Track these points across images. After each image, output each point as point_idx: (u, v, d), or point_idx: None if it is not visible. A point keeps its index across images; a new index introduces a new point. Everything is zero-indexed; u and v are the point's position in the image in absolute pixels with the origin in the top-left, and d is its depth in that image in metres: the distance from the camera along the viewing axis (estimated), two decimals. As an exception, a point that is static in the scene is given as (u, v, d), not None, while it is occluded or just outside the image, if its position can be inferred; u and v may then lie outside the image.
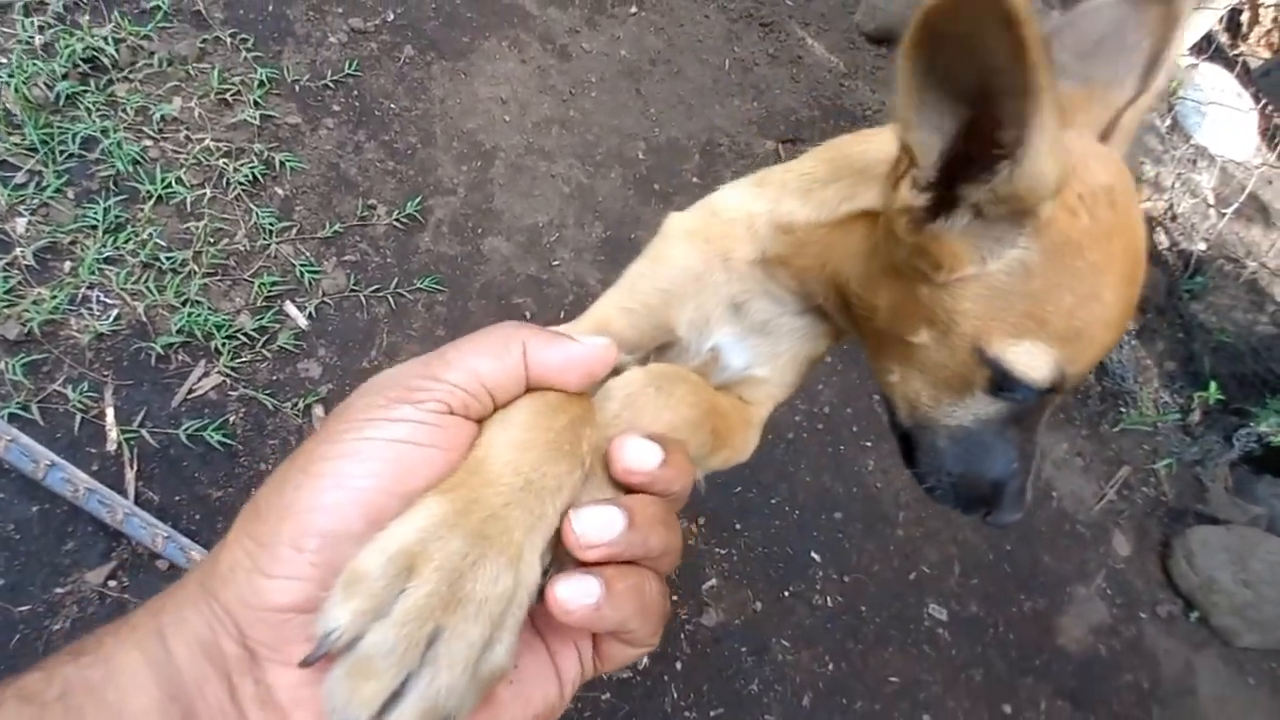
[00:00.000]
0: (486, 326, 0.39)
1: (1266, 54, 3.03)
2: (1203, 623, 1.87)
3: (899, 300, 0.53)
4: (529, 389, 0.37)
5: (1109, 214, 0.46)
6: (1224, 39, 2.94)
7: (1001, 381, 0.50)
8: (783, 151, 2.22)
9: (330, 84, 1.96)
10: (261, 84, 1.89)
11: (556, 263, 1.93)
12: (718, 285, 0.65)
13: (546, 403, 0.37)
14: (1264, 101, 1.82)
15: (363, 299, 1.76)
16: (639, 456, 0.37)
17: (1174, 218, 2.25)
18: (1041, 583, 1.85)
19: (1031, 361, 0.48)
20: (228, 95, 1.87)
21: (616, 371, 0.69)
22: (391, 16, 2.09)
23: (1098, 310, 0.47)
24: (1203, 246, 2.31)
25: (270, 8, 2.01)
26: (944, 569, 1.83)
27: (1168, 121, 2.52)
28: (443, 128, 2.00)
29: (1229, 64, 2.82)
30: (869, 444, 1.90)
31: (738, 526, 1.77)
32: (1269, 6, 2.87)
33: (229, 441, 1.55)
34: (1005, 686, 1.75)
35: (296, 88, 1.94)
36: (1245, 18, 2.97)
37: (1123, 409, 2.01)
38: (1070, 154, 0.43)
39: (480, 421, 0.36)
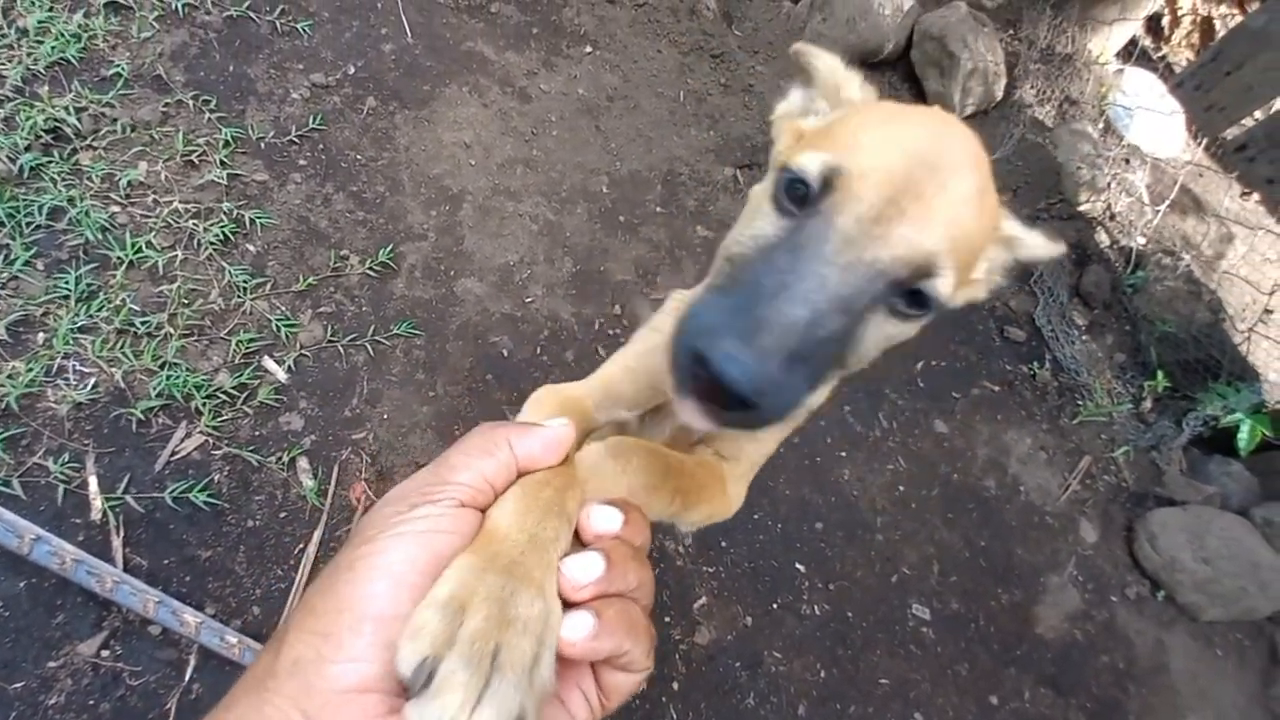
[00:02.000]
0: (471, 431, 0.46)
1: (1189, 54, 3.22)
2: (1169, 601, 1.96)
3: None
4: (519, 474, 0.44)
5: (925, 110, 0.57)
6: (1148, 42, 3.12)
7: (782, 181, 0.53)
8: (740, 177, 2.31)
9: (295, 139, 1.99)
10: (226, 144, 1.92)
11: (530, 299, 1.98)
12: None
13: (535, 479, 0.44)
14: (1185, 106, 1.95)
15: (341, 349, 1.79)
16: (603, 521, 0.44)
17: (1112, 217, 2.38)
18: (1016, 575, 1.93)
19: (808, 157, 0.51)
20: (193, 157, 1.90)
21: (623, 428, 0.77)
22: (352, 70, 2.13)
23: (879, 129, 0.53)
24: (1141, 241, 2.44)
25: (231, 68, 2.04)
26: (923, 569, 1.89)
27: (1101, 124, 2.66)
28: (409, 175, 2.05)
29: (1154, 66, 2.99)
30: (843, 454, 1.97)
31: (723, 544, 1.82)
32: (1185, 13, 3.06)
33: (215, 501, 1.56)
34: (990, 679, 1.82)
35: (262, 145, 1.97)
36: (1166, 21, 3.16)
37: (1080, 401, 2.11)
38: None
39: (484, 510, 0.42)
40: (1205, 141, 2.85)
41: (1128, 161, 2.68)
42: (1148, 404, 2.13)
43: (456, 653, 0.33)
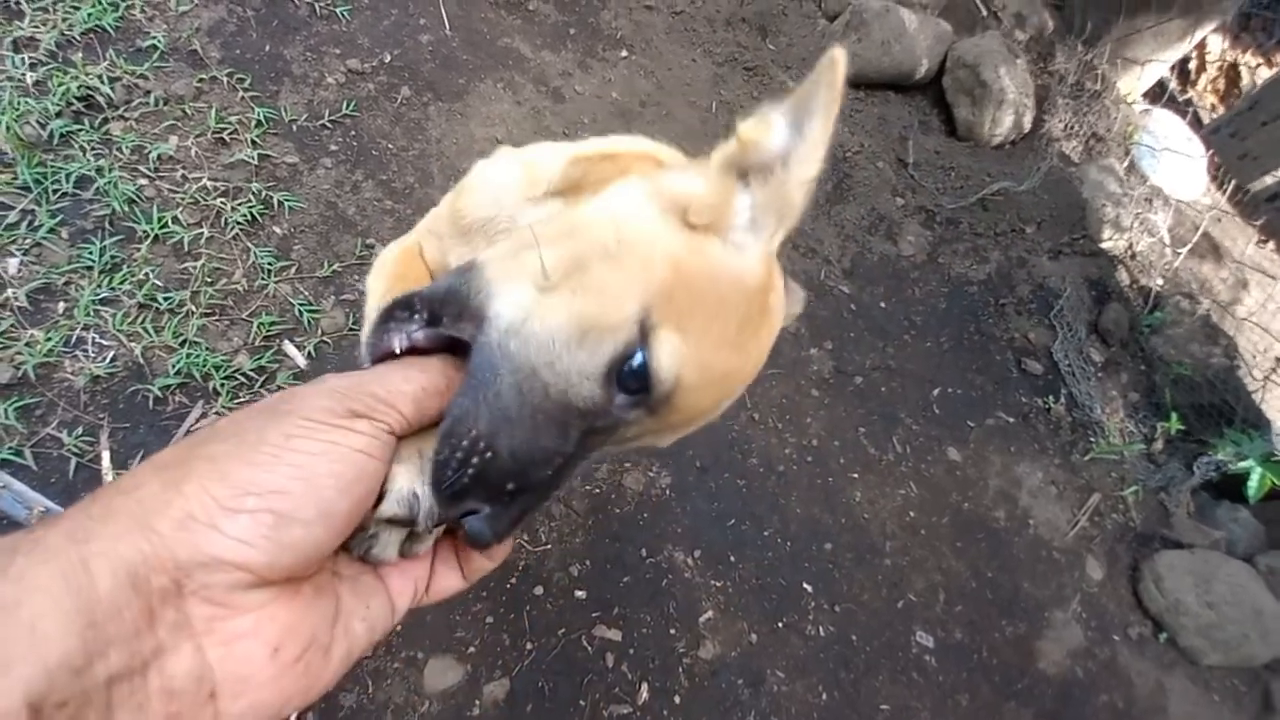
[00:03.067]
0: (431, 360, 0.48)
1: (1213, 98, 3.24)
2: (1171, 644, 1.96)
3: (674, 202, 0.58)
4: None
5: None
6: (1175, 84, 3.15)
7: (640, 366, 0.50)
8: (769, 191, 2.30)
9: (328, 124, 1.98)
10: (259, 124, 1.91)
11: (552, 300, 1.97)
12: None
13: None
14: (1212, 152, 1.96)
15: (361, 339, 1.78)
16: None
17: (1134, 256, 2.39)
18: (1021, 608, 1.93)
19: (667, 347, 0.50)
20: (225, 135, 1.89)
21: None
22: (388, 58, 2.13)
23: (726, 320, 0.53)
24: (1160, 282, 2.46)
25: (267, 48, 2.03)
26: (930, 596, 1.89)
27: (1126, 163, 2.68)
28: (439, 167, 2.04)
29: (1180, 109, 3.01)
30: (855, 475, 1.97)
31: (732, 559, 1.81)
32: (1214, 59, 3.08)
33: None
34: (990, 711, 1.81)
35: (294, 127, 1.96)
36: (1193, 65, 3.18)
37: (1092, 439, 2.12)
38: None
39: (400, 437, 0.45)
40: (1228, 188, 2.87)
41: (1149, 201, 2.69)
42: (1159, 445, 2.13)
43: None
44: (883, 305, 2.18)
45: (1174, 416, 2.09)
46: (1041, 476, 2.07)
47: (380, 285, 0.71)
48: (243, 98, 1.94)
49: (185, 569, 0.34)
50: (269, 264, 1.77)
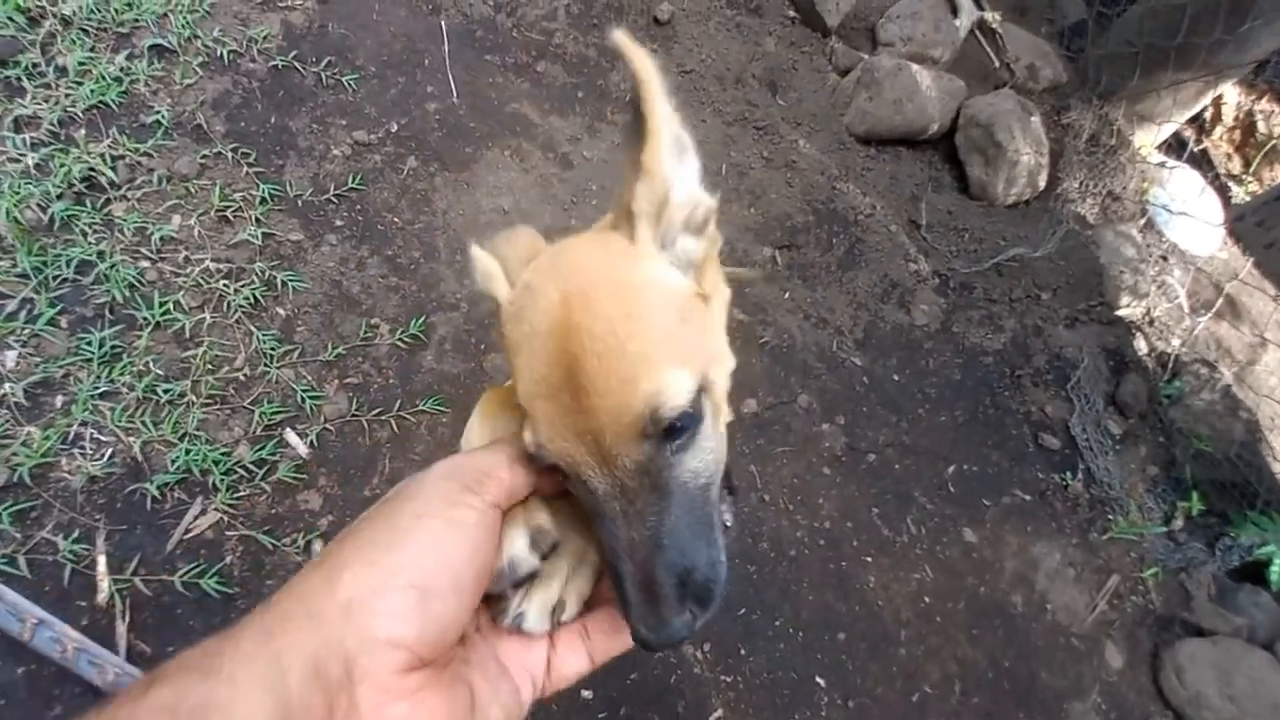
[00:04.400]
0: (511, 438, 0.54)
1: (1228, 148, 3.20)
2: (1193, 733, 1.91)
3: None
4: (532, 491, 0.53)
5: (524, 298, 0.53)
6: (1189, 134, 3.10)
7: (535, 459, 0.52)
8: (779, 258, 2.27)
9: (333, 198, 1.95)
10: (263, 200, 1.88)
11: (559, 379, 1.94)
12: None
13: None
14: (1239, 242, 1.92)
15: (364, 423, 1.74)
16: None
17: (1151, 322, 2.34)
18: (1039, 700, 1.87)
19: (526, 434, 0.51)
20: (229, 212, 1.86)
21: None
22: (395, 127, 2.10)
23: (524, 381, 0.51)
24: (1177, 344, 2.41)
25: (273, 120, 2.01)
26: (946, 688, 1.84)
27: (1143, 222, 2.63)
28: (445, 240, 2.01)
29: (1194, 159, 2.96)
30: (869, 559, 1.93)
31: (742, 652, 1.76)
32: (1229, 108, 3.04)
33: (225, 588, 1.50)
34: (1008, 810, 1.76)
35: (299, 202, 1.93)
36: (1209, 115, 3.14)
37: (1110, 516, 2.07)
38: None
39: (505, 511, 0.50)
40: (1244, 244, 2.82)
41: (1166, 259, 2.65)
42: (1179, 523, 2.08)
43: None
44: (896, 378, 2.14)
45: (1195, 495, 2.04)
46: (1059, 557, 2.02)
47: (485, 401, 0.71)
48: (247, 173, 1.91)
49: (353, 656, 0.38)
50: (271, 348, 1.74)
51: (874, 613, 1.88)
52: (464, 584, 0.44)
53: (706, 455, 0.52)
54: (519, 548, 0.50)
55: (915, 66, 2.56)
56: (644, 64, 0.51)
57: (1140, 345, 2.30)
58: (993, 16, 2.90)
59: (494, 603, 0.52)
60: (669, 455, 0.49)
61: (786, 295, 2.20)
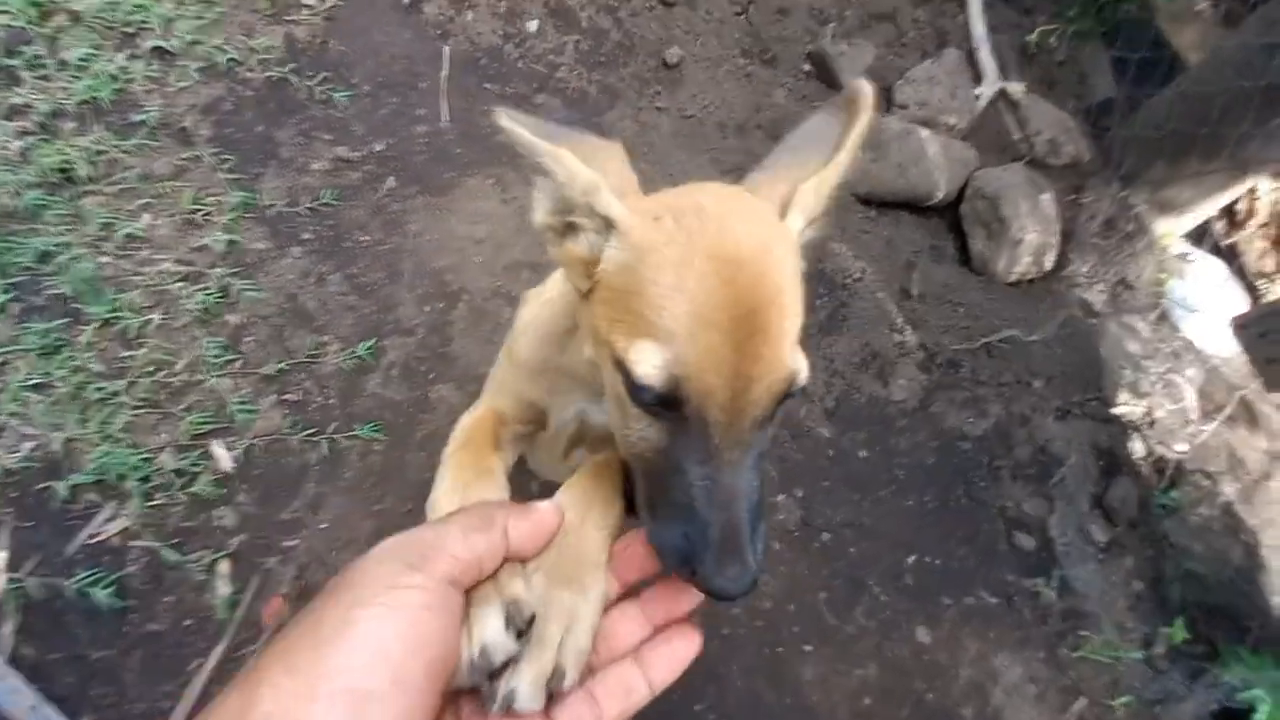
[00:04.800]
0: (470, 506, 0.53)
1: (1263, 243, 3.02)
2: None
3: (585, 324, 0.61)
4: (505, 559, 0.49)
5: (694, 222, 0.51)
6: (1219, 227, 2.94)
7: (631, 388, 0.51)
8: (756, 315, 2.18)
9: (305, 211, 1.95)
10: (235, 207, 1.89)
11: (506, 417, 1.87)
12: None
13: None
14: (1246, 352, 1.78)
15: (295, 442, 1.70)
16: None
17: (1152, 424, 2.18)
18: (981, 829, 1.70)
19: (643, 358, 0.49)
20: (198, 215, 1.86)
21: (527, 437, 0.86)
22: (380, 147, 2.10)
23: (684, 303, 0.48)
24: (1182, 448, 2.23)
25: (260, 129, 2.02)
26: (876, 802, 1.69)
27: (1155, 314, 2.48)
28: (412, 264, 1.98)
29: (1221, 253, 2.80)
30: (810, 647, 1.79)
31: (657, 733, 1.64)
32: (1263, 201, 2.87)
33: (119, 601, 1.46)
34: None
35: (270, 212, 1.93)
36: (1242, 207, 2.97)
37: (1084, 633, 1.90)
38: (626, 176, 0.59)
39: (468, 591, 0.46)
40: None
41: (1178, 357, 2.48)
42: (1160, 649, 1.90)
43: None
44: (864, 454, 2.02)
45: (1180, 621, 1.86)
46: (1021, 671, 1.86)
47: (453, 462, 0.71)
48: (223, 179, 1.92)
49: None
50: (215, 356, 1.72)
51: (808, 707, 1.74)
52: (411, 680, 0.38)
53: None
54: (492, 630, 0.45)
55: (924, 131, 2.48)
56: (866, 101, 0.59)
57: (1136, 448, 2.14)
58: (1017, 88, 2.81)
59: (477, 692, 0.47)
60: (776, 417, 0.53)
61: (758, 354, 2.11)
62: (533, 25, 2.46)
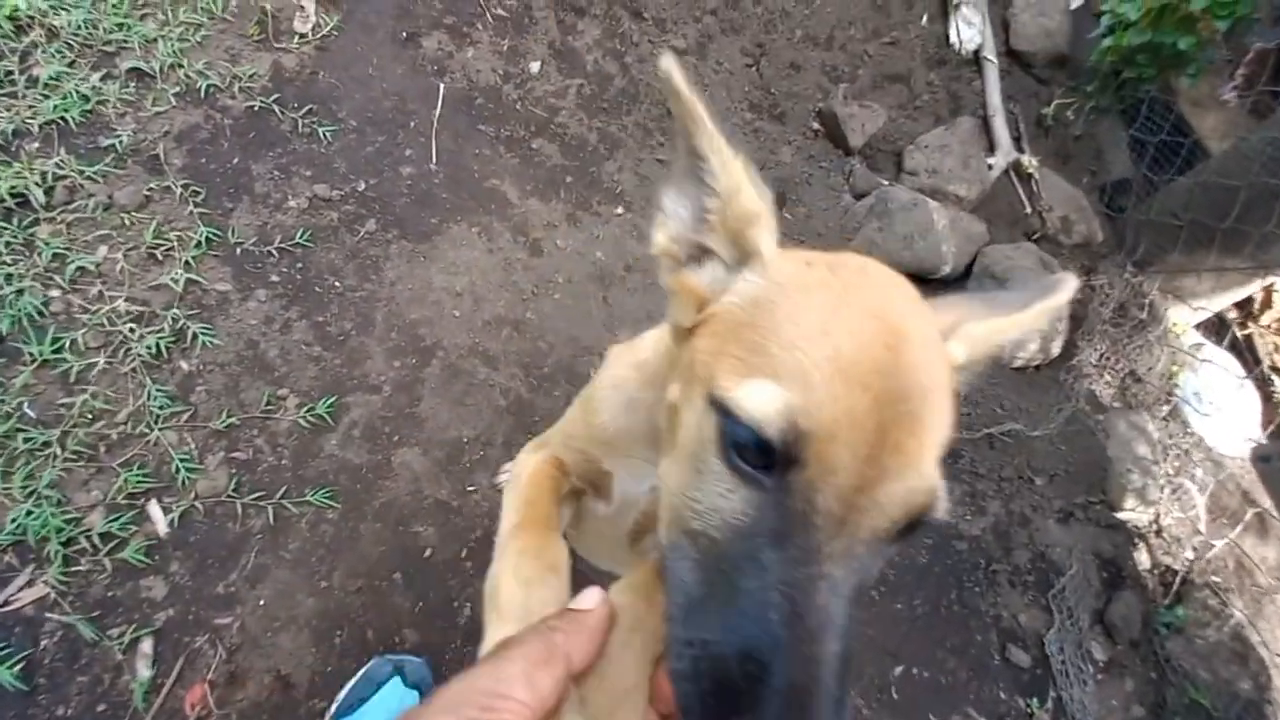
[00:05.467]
0: (530, 631, 0.45)
1: (1277, 338, 2.92)
2: None
3: (676, 364, 0.54)
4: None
5: (855, 277, 0.46)
6: (1233, 315, 2.85)
7: (730, 430, 0.41)
8: (748, 388, 2.07)
9: (275, 251, 1.84)
10: (199, 244, 1.77)
11: (472, 488, 1.75)
12: None
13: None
14: (1267, 486, 1.69)
15: (239, 507, 1.57)
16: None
17: (1159, 531, 2.06)
18: None
19: (756, 397, 0.40)
20: (159, 251, 1.75)
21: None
22: (362, 186, 1.99)
23: (826, 349, 0.41)
24: (1189, 556, 2.11)
25: (235, 160, 1.92)
26: None
27: (1167, 409, 2.37)
28: (385, 314, 1.86)
29: (1235, 345, 2.70)
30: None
31: None
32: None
33: (23, 685, 1.32)
34: None
35: (238, 251, 1.81)
36: (1258, 297, 2.88)
37: (1078, 760, 1.76)
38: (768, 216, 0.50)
39: None
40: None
41: (1188, 454, 2.37)
42: (1160, 784, 1.76)
43: None
44: (852, 548, 1.89)
45: (1181, 758, 1.73)
46: (1008, 802, 1.72)
47: (516, 546, 0.63)
48: (191, 212, 1.81)
49: None
50: (161, 406, 1.59)
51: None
52: None
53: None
54: None
55: (933, 203, 2.39)
56: (1068, 289, 0.60)
57: (1142, 559, 2.01)
58: (1030, 160, 2.73)
59: None
60: (891, 545, 0.42)
61: (747, 431, 1.99)
62: (535, 66, 2.37)
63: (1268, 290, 2.84)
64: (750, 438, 0.40)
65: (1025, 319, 0.56)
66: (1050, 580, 1.93)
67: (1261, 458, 1.63)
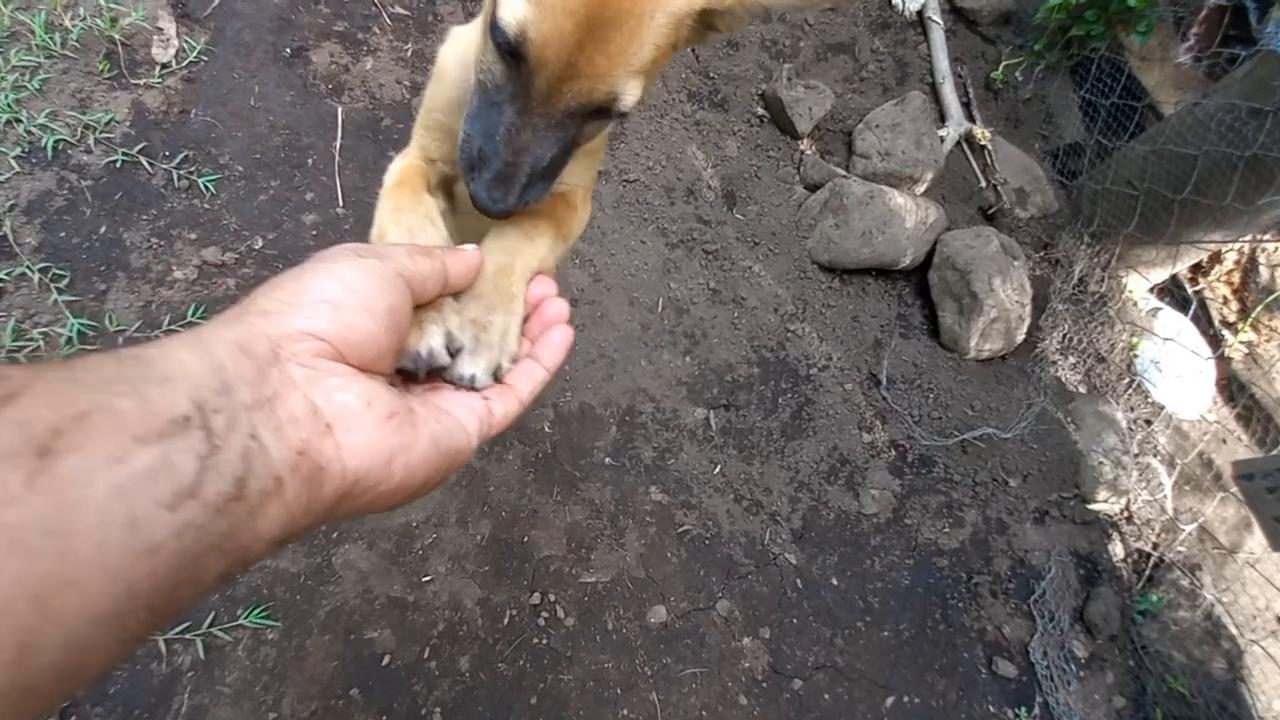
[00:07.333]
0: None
1: (1226, 291, 2.95)
2: None
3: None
4: (442, 291, 0.55)
5: None
6: (1185, 273, 2.85)
7: (491, 27, 0.56)
8: (713, 421, 1.95)
9: (165, 335, 1.59)
10: (70, 340, 1.52)
11: (428, 578, 1.60)
12: None
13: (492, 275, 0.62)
14: (1250, 507, 1.68)
15: (162, 644, 1.39)
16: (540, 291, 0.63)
17: (1129, 518, 2.07)
18: None
19: (507, 11, 0.54)
20: (23, 354, 1.49)
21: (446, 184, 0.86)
22: (259, 243, 1.74)
23: None
24: (1158, 533, 2.14)
25: (103, 230, 1.64)
26: None
27: (1127, 384, 2.36)
28: (305, 393, 1.65)
29: (1186, 302, 2.71)
30: (782, 816, 1.62)
31: None
32: (1229, 250, 2.79)
33: None
34: None
35: (120, 341, 1.57)
36: (1205, 257, 2.88)
37: (1067, 762, 1.79)
38: None
39: (416, 307, 0.51)
40: (1238, 404, 2.58)
41: (1149, 423, 2.38)
42: (1144, 773, 1.81)
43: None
44: (835, 582, 1.84)
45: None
46: (1002, 811, 1.73)
47: (391, 202, 0.72)
48: (55, 302, 1.55)
49: (276, 340, 0.40)
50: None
51: None
52: (375, 309, 0.44)
53: (595, 141, 0.71)
54: (436, 342, 0.53)
55: (890, 193, 2.26)
56: None
57: (1116, 549, 2.02)
58: (983, 132, 2.61)
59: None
60: (588, 121, 0.60)
61: (717, 470, 1.89)
62: (446, 76, 2.10)
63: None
64: (502, 36, 0.55)
65: None
66: (1030, 586, 1.92)
67: (1244, 475, 1.63)
